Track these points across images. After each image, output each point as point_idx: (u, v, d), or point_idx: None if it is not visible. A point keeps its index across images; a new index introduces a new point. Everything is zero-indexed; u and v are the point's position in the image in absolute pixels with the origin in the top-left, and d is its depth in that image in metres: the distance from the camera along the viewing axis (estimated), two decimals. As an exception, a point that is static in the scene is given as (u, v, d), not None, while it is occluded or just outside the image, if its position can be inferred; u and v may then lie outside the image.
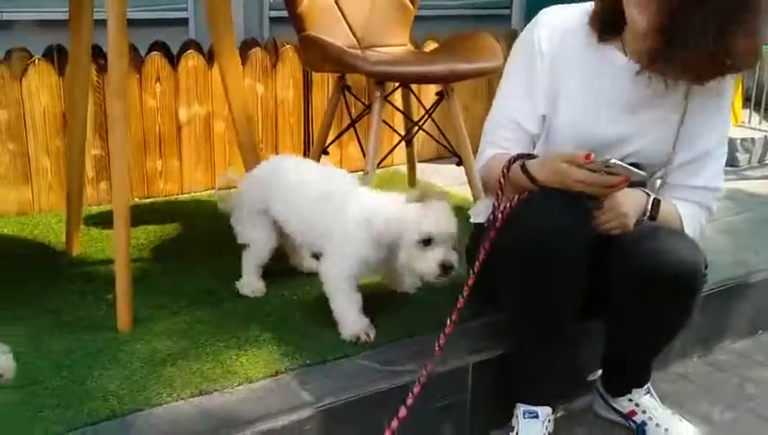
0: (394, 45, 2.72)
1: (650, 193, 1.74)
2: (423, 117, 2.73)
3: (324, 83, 3.14)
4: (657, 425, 1.84)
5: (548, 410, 1.76)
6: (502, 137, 1.81)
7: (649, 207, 1.71)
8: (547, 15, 1.79)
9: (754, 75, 4.21)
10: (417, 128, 2.73)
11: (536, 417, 1.75)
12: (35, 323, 1.89)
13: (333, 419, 1.62)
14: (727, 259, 2.49)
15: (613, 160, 1.52)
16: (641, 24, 1.58)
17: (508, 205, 1.64)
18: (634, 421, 1.87)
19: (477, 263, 1.66)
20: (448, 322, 1.63)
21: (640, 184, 1.70)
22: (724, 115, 1.81)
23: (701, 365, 2.27)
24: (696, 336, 2.28)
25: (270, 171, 2.06)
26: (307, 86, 3.13)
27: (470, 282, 1.65)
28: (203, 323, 1.91)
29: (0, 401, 1.56)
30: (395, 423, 1.54)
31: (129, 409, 1.56)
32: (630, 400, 1.88)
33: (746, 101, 4.15)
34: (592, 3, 1.73)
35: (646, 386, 1.88)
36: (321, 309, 1.89)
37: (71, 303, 2.02)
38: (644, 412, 1.86)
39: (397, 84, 2.71)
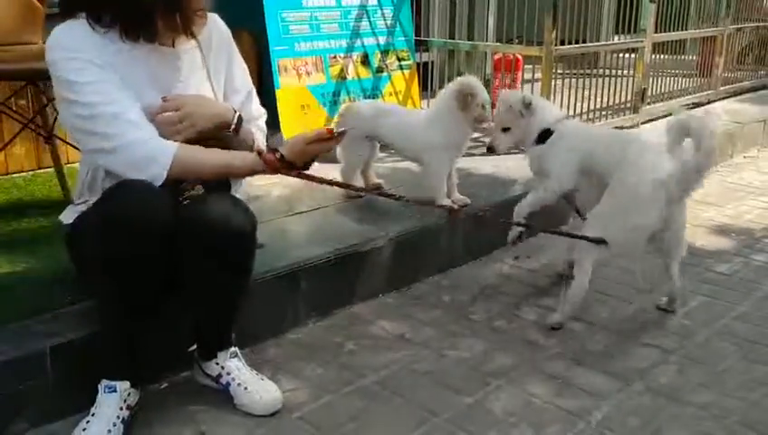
0: (25, 44, 2.72)
1: (237, 110, 2.03)
2: (36, 113, 2.79)
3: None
4: (239, 384, 2.02)
5: (126, 384, 1.87)
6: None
7: (235, 120, 2.00)
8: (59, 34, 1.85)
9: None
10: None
11: (114, 391, 1.85)
12: None
13: None
14: (353, 230, 2.75)
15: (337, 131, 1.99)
16: None
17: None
18: (221, 383, 2.03)
19: None
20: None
21: None
22: (239, 60, 2.16)
23: (315, 329, 2.49)
24: (313, 302, 2.50)
25: None
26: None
27: None
28: None
29: None
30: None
31: None
32: (217, 363, 2.04)
33: (424, 90, 4.56)
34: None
35: (231, 350, 2.05)
36: None
37: None
38: (228, 374, 2.03)
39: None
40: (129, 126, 1.80)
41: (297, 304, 2.46)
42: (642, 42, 4.67)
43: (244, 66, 2.18)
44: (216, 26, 2.07)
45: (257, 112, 2.20)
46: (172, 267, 1.85)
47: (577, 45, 4.24)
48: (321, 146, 1.96)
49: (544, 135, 2.71)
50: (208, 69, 2.04)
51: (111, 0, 1.80)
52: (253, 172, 1.95)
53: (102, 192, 1.83)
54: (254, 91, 2.21)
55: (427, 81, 4.72)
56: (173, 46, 1.95)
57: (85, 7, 1.83)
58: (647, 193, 2.37)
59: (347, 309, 2.61)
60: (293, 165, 1.95)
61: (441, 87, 4.71)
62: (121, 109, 1.80)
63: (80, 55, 1.79)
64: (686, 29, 5.26)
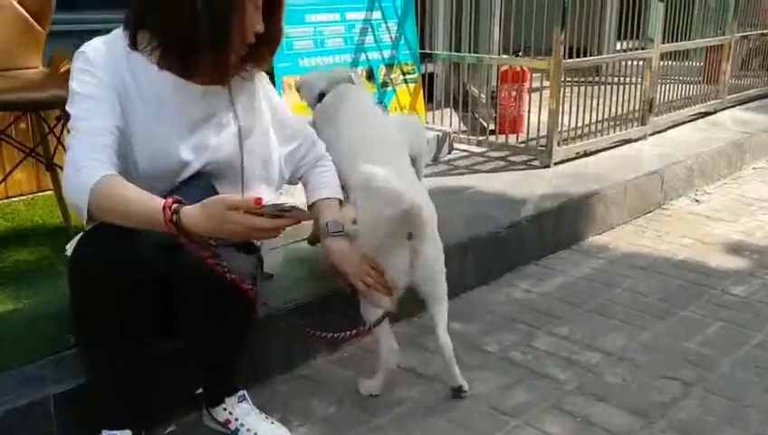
0: (23, 68, 2.66)
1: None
2: (38, 144, 2.74)
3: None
4: (248, 430, 1.95)
5: (127, 432, 1.79)
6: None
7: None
8: (91, 44, 1.79)
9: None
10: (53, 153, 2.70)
11: (116, 441, 1.79)
12: None
13: None
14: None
15: (289, 204, 1.56)
16: None
17: None
18: (230, 429, 1.96)
19: None
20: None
21: None
22: (277, 100, 2.11)
23: (325, 364, 2.42)
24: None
25: None
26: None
27: None
28: None
29: None
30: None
31: None
32: (225, 409, 1.97)
33: (429, 102, 4.48)
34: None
35: (239, 394, 1.99)
36: None
37: None
38: (236, 419, 1.96)
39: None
40: (83, 145, 1.67)
41: (306, 337, 2.39)
42: (650, 52, 4.59)
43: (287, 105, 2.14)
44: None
45: (322, 149, 2.18)
46: (169, 310, 1.79)
47: (586, 58, 4.17)
48: (250, 221, 1.53)
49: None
50: (236, 108, 1.93)
51: (158, 24, 1.75)
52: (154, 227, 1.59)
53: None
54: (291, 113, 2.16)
55: (431, 91, 4.64)
56: (202, 84, 1.85)
57: (131, 26, 1.78)
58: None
59: (356, 341, 2.54)
60: (199, 237, 1.59)
61: (446, 98, 4.71)
62: (92, 128, 1.69)
63: (93, 69, 1.74)
64: (691, 34, 5.16)
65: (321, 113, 2.48)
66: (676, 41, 4.97)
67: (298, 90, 2.65)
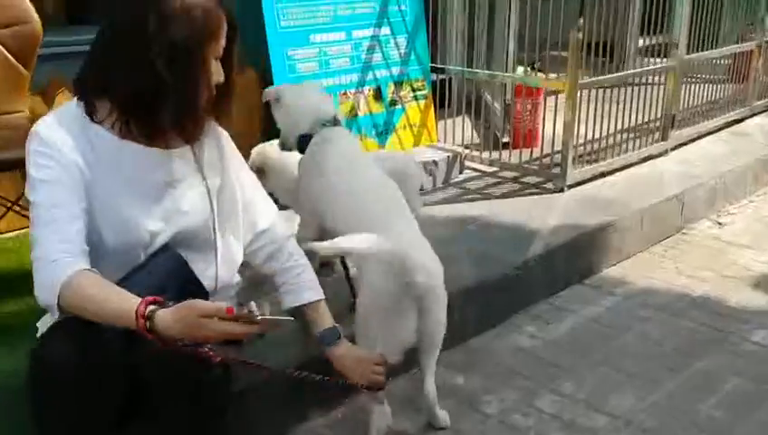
0: (6, 113, 2.56)
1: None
2: (19, 198, 2.71)
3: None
4: None
5: None
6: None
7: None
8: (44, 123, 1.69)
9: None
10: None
11: None
12: None
13: None
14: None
15: (259, 316, 1.55)
16: None
17: None
18: None
19: None
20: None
21: None
22: (238, 157, 1.99)
23: (319, 428, 2.32)
24: (316, 399, 2.34)
25: None
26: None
27: None
28: None
29: None
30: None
31: None
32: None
33: (441, 108, 4.27)
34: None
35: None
36: None
37: None
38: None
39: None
40: (52, 236, 1.58)
41: (299, 404, 2.29)
42: (673, 63, 4.38)
43: (243, 162, 2.02)
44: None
45: (285, 230, 2.07)
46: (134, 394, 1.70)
47: (604, 77, 3.99)
48: (222, 328, 1.52)
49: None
50: (202, 168, 1.84)
51: (121, 89, 1.65)
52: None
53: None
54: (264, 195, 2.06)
55: (444, 97, 4.42)
56: (165, 148, 1.77)
57: (89, 95, 1.69)
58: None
59: (351, 401, 2.43)
60: (173, 340, 1.53)
61: (459, 105, 4.51)
62: (57, 216, 1.60)
63: (49, 151, 1.64)
64: (719, 33, 4.89)
65: (306, 162, 2.32)
66: (703, 44, 4.70)
67: (276, 102, 2.37)
